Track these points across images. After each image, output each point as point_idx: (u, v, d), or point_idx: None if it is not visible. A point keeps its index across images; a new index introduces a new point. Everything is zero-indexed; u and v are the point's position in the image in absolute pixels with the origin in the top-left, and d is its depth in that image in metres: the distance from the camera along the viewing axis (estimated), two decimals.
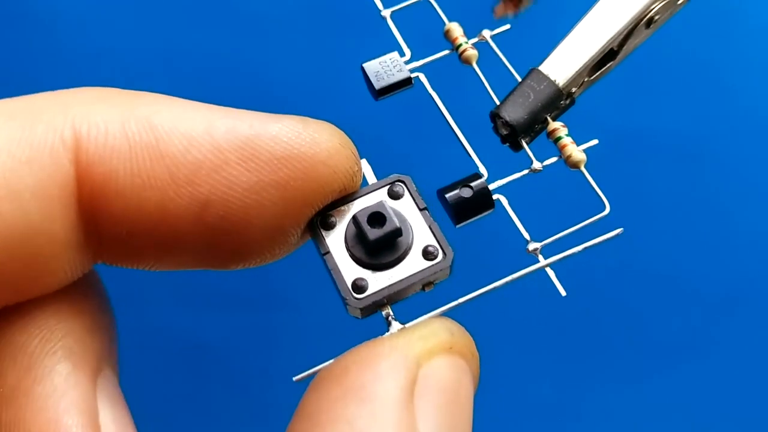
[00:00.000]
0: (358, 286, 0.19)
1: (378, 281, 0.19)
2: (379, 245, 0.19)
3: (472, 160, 0.21)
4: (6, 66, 0.50)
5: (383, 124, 0.45)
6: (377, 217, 0.19)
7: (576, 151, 0.21)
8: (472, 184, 0.20)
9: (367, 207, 0.19)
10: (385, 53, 0.23)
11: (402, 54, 0.23)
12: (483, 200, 0.20)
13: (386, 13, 0.24)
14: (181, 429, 0.45)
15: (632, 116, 0.49)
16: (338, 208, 0.20)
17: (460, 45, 0.23)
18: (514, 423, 0.45)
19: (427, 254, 0.19)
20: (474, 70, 0.23)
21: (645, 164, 0.49)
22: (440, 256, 0.19)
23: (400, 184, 0.20)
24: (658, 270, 0.47)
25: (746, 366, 0.45)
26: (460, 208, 0.20)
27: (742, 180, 0.48)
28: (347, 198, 0.20)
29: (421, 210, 0.20)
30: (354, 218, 0.19)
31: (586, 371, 0.46)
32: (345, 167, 0.18)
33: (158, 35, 0.51)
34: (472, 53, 0.23)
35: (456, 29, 0.24)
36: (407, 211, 0.20)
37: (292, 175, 0.16)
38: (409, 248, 0.19)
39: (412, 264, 0.19)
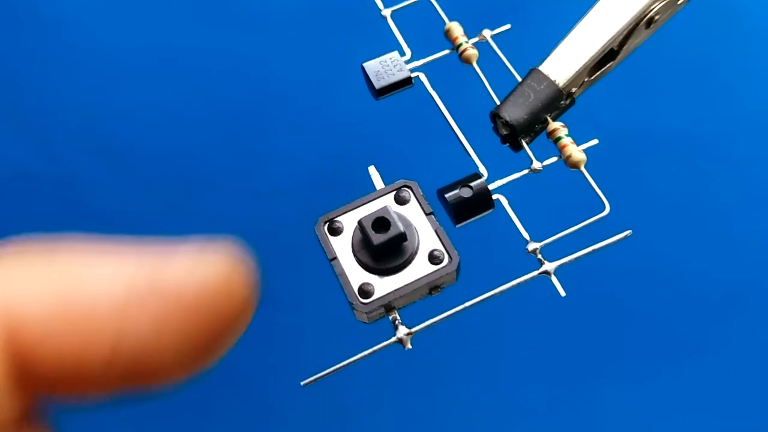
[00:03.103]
0: (365, 291, 0.19)
1: (384, 286, 0.19)
2: (383, 250, 0.19)
3: (472, 159, 0.21)
4: (5, 66, 0.50)
5: (383, 123, 0.45)
6: (382, 222, 0.19)
7: (576, 151, 0.21)
8: (472, 184, 0.20)
9: (372, 212, 0.19)
10: (385, 53, 0.23)
11: (402, 53, 0.23)
12: (483, 200, 0.20)
13: (387, 12, 0.24)
14: (180, 428, 0.45)
15: (632, 116, 0.49)
16: (345, 214, 0.20)
17: (461, 44, 0.23)
18: (513, 423, 0.45)
19: (433, 258, 0.19)
20: (474, 69, 0.23)
21: (645, 164, 0.49)
22: (446, 261, 0.19)
23: (406, 189, 0.20)
24: (658, 270, 0.47)
25: (747, 367, 0.45)
26: (460, 208, 0.20)
27: (742, 180, 0.48)
28: (354, 204, 0.20)
29: (427, 215, 0.20)
30: (359, 223, 0.19)
31: (585, 371, 0.46)
32: (238, 296, 0.18)
33: (157, 35, 0.51)
34: (473, 53, 0.23)
35: (456, 29, 0.24)
36: (414, 216, 0.20)
37: (189, 312, 0.17)
38: (415, 253, 0.19)
39: (418, 268, 0.19)
